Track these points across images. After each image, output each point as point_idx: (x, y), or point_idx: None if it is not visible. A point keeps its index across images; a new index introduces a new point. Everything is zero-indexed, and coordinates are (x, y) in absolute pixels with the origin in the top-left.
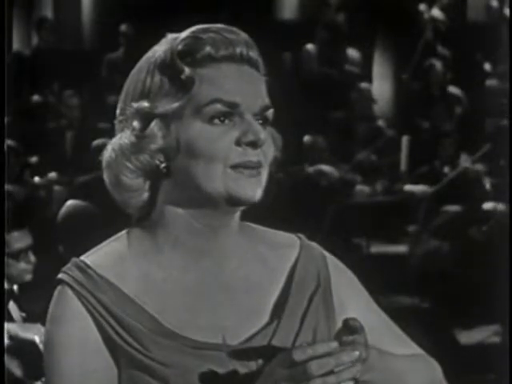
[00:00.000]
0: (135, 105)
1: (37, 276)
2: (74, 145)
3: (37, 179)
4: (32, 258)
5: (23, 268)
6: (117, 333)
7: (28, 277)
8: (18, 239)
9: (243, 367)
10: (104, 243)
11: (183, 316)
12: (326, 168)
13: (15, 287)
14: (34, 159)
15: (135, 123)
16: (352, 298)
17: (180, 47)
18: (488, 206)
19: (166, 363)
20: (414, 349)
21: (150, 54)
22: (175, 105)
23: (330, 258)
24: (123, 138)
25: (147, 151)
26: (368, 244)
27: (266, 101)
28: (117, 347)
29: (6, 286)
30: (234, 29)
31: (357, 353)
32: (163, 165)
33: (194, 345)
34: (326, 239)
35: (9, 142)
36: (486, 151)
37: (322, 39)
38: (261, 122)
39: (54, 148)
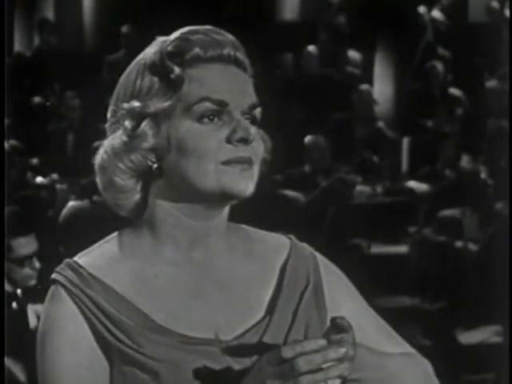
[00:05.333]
0: (126, 105)
1: (40, 277)
2: (75, 146)
3: (39, 179)
4: (37, 264)
5: (27, 274)
6: (108, 330)
7: (32, 282)
8: (24, 245)
9: (235, 363)
10: (96, 245)
11: (176, 312)
12: (290, 193)
13: (19, 291)
14: (35, 160)
15: (127, 123)
16: (343, 297)
17: (169, 48)
18: (458, 244)
19: (158, 358)
20: (405, 347)
21: (140, 56)
22: (165, 104)
23: (321, 258)
24: (115, 138)
25: (139, 150)
26: (368, 244)
27: (254, 99)
28: (109, 344)
29: (9, 289)
30: (222, 30)
31: (343, 349)
32: (155, 165)
33: (186, 340)
34: (327, 240)
35: (12, 142)
36: (486, 152)
37: (323, 40)
38: (249, 120)
39: (55, 149)
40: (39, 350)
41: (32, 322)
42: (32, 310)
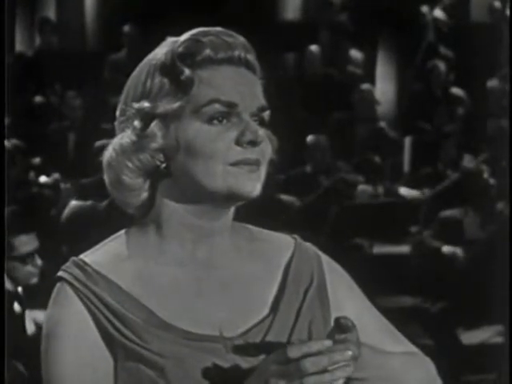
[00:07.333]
0: (136, 105)
1: (42, 275)
2: (77, 146)
3: (43, 178)
4: (38, 261)
5: (29, 271)
6: (114, 326)
7: (34, 280)
8: (26, 243)
9: (240, 360)
10: (102, 243)
11: (180, 310)
12: (285, 198)
13: (19, 289)
14: (36, 160)
15: (136, 123)
16: (347, 297)
17: (180, 49)
18: (446, 249)
19: (164, 354)
20: (409, 346)
21: (150, 56)
22: (175, 105)
23: (325, 258)
24: (124, 137)
25: (148, 150)
26: (370, 244)
27: (263, 102)
28: (113, 340)
29: (10, 287)
30: (233, 32)
31: (350, 352)
32: (163, 165)
33: (190, 337)
34: (329, 240)
35: (14, 141)
36: (488, 152)
37: (325, 40)
38: (257, 122)
39: (57, 149)
40: (44, 348)
41: (30, 328)
42: (30, 316)
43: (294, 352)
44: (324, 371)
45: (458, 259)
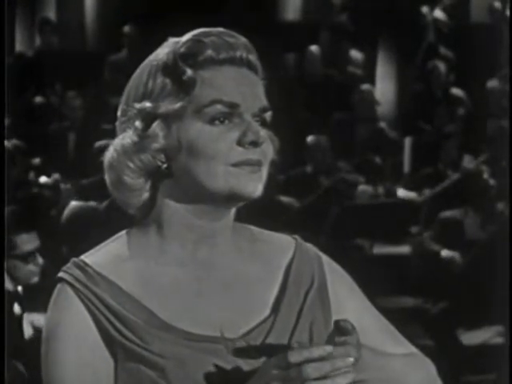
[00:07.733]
0: (138, 105)
1: (42, 277)
2: (77, 146)
3: (43, 179)
4: (40, 260)
5: (31, 270)
6: (114, 327)
7: (35, 279)
8: (27, 241)
9: (241, 361)
10: (103, 244)
11: (181, 310)
12: (285, 199)
13: (19, 288)
14: (36, 160)
15: (137, 123)
16: (348, 298)
17: (182, 50)
18: (445, 253)
19: (163, 354)
20: (409, 348)
21: (151, 57)
22: (177, 105)
23: (325, 259)
24: (125, 138)
25: (149, 151)
26: (371, 245)
27: (265, 102)
28: (114, 340)
29: (10, 287)
30: (234, 33)
31: (351, 359)
32: (165, 165)
33: (191, 337)
34: (329, 240)
35: (14, 142)
36: (488, 153)
37: (326, 41)
38: (259, 122)
39: (57, 149)
40: (44, 349)
41: (27, 332)
42: (28, 319)
43: (294, 357)
44: (325, 377)
45: (456, 263)
